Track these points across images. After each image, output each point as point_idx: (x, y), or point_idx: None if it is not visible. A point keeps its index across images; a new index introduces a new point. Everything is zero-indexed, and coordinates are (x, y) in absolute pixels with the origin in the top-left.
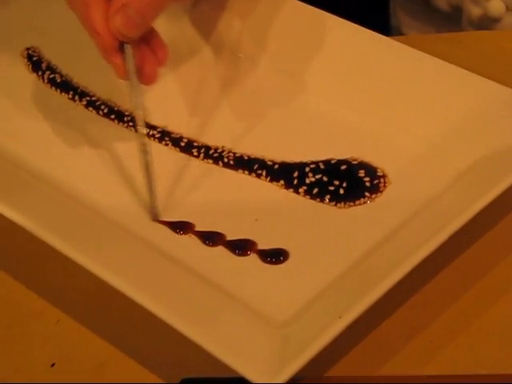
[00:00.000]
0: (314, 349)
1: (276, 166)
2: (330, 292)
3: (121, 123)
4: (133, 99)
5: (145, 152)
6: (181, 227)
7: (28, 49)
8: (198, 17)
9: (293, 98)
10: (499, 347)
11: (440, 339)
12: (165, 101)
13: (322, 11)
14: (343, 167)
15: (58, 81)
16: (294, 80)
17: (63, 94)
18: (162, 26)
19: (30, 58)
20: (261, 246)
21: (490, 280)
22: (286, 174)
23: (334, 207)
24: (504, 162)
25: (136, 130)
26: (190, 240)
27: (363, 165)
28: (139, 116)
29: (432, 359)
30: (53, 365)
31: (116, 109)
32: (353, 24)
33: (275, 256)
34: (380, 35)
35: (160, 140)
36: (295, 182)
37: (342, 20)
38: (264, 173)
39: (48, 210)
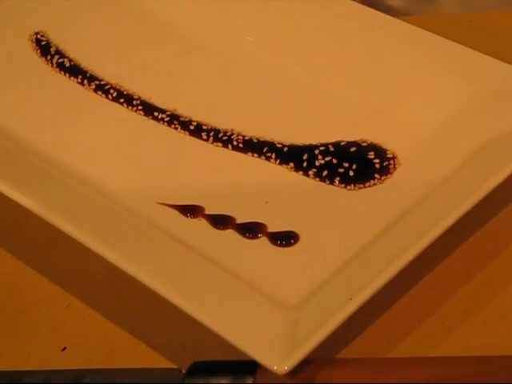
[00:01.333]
0: (324, 331)
1: (285, 149)
2: (341, 274)
3: (130, 107)
4: None
5: None
6: (191, 210)
7: (36, 33)
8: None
9: (301, 80)
10: None
11: (452, 320)
12: (173, 85)
13: None
14: (353, 149)
15: (67, 65)
16: (301, 62)
17: (72, 78)
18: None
19: (38, 42)
20: (271, 229)
21: (502, 260)
22: (295, 156)
23: (344, 189)
24: None
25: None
26: (200, 223)
27: (373, 146)
28: None
29: (444, 341)
30: (64, 349)
31: (125, 93)
32: (361, 5)
33: (285, 239)
34: (390, 17)
35: (169, 124)
36: (305, 164)
37: (349, 1)
38: (273, 155)
39: (57, 193)
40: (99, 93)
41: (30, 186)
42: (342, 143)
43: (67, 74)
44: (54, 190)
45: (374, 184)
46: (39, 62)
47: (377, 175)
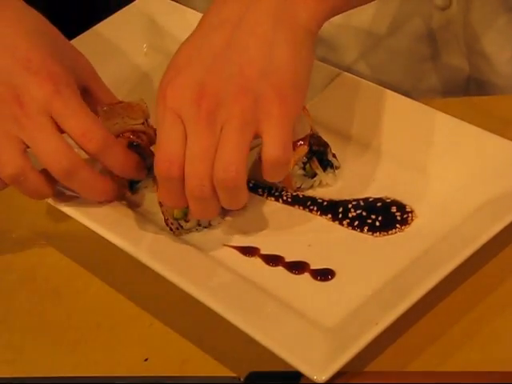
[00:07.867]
0: (354, 350)
1: (325, 203)
2: (369, 303)
3: None
4: None
5: None
6: (249, 251)
7: None
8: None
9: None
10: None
11: (457, 342)
12: None
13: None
14: (379, 204)
15: None
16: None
17: None
18: None
19: None
20: (313, 267)
21: (497, 295)
22: (332, 209)
23: (372, 236)
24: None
25: None
26: (256, 261)
27: (395, 202)
28: None
29: (450, 358)
30: (146, 360)
31: None
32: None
33: (324, 275)
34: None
35: None
36: (340, 215)
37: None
38: (315, 208)
39: (145, 238)
40: None
41: (123, 231)
42: (370, 199)
43: None
44: (143, 234)
45: (396, 232)
46: None
47: (398, 225)
